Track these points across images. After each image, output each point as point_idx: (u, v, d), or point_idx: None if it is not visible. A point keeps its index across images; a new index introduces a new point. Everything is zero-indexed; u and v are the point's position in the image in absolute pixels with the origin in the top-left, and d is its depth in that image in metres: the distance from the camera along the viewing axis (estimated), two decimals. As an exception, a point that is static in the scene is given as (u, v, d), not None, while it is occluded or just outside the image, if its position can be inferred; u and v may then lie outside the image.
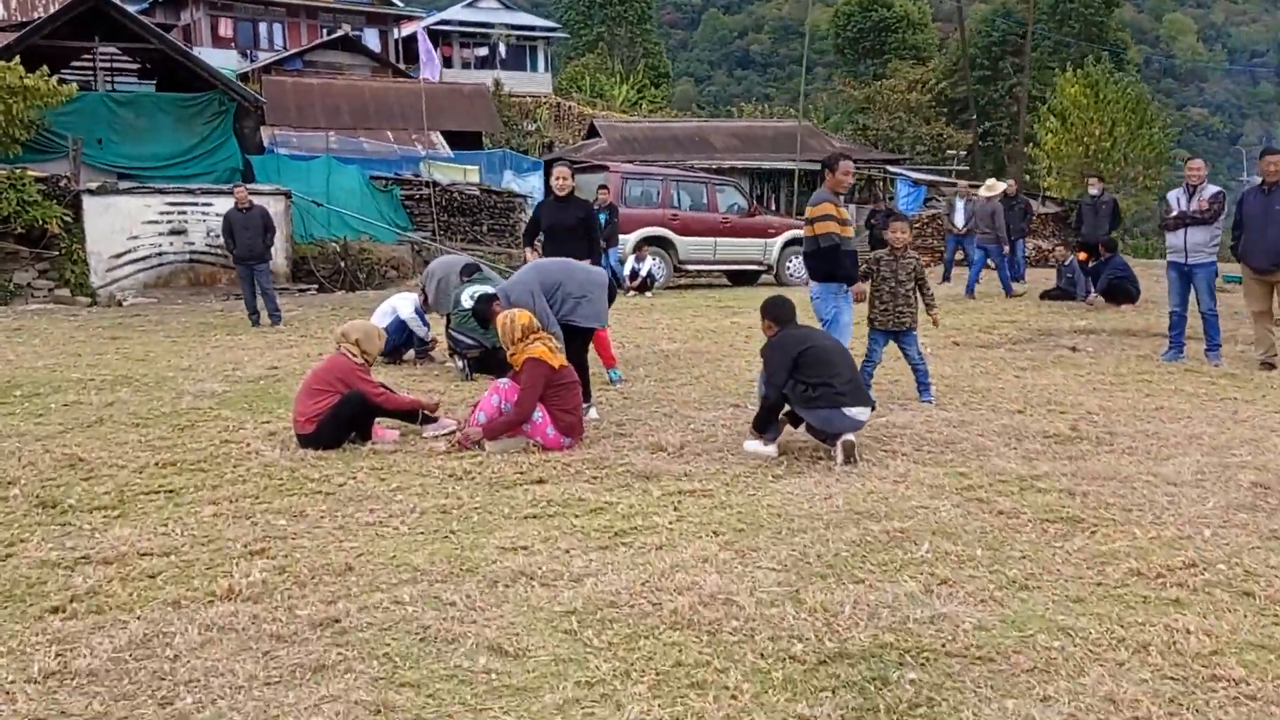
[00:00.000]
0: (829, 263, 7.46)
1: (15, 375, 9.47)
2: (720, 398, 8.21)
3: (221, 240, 14.62)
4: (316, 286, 20.07)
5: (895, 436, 6.80)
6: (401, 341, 10.21)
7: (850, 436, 6.17)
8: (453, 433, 6.64)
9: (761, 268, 20.27)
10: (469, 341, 9.08)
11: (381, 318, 10.15)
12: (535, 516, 5.16)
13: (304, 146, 25.42)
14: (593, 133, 32.14)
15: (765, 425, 6.38)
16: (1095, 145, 27.75)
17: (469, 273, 9.69)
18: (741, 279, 20.76)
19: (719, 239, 19.47)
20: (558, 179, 8.60)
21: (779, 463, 6.19)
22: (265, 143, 25.08)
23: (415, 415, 6.92)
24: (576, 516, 5.16)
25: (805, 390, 6.12)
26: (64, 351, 11.15)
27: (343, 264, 20.68)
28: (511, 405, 6.45)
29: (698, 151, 29.66)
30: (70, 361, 10.41)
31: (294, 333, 13.18)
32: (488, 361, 9.24)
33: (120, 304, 17.91)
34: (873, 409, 6.32)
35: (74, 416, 7.58)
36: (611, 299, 7.69)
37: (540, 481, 5.79)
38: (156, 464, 6.19)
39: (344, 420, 6.57)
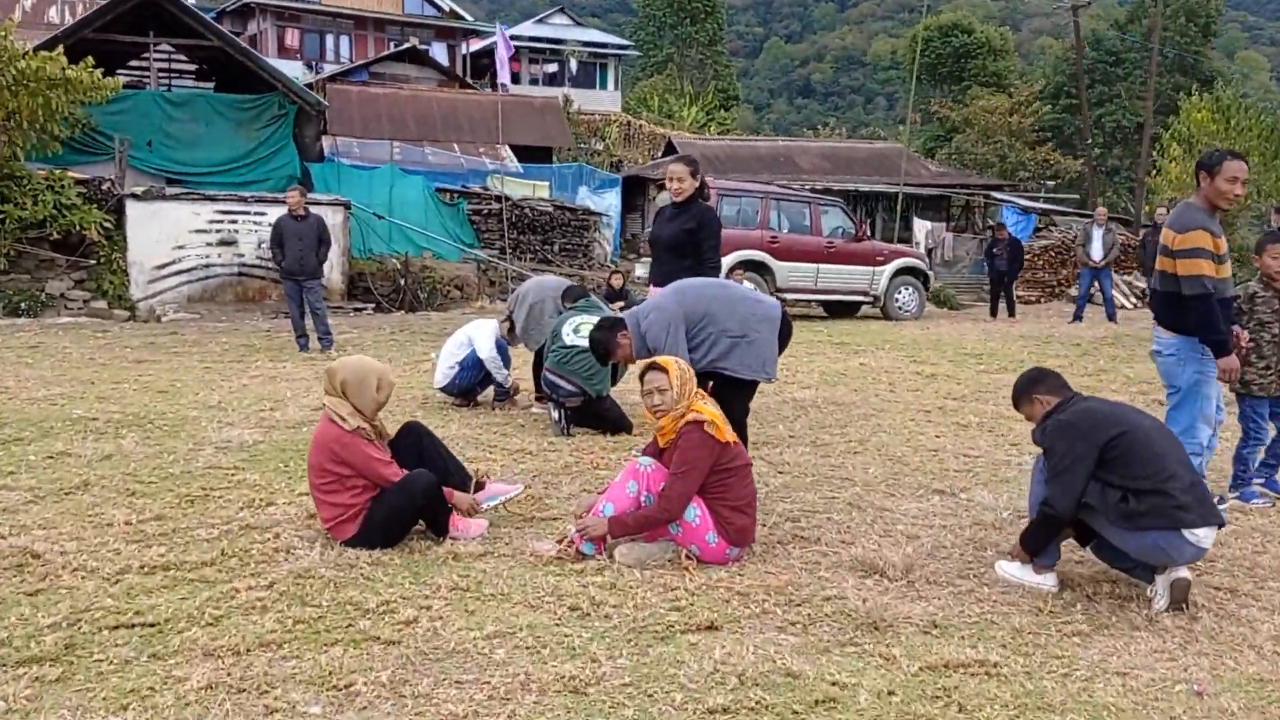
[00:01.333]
0: (1197, 314, 5.12)
1: (3, 410, 7.62)
2: (909, 477, 6.10)
3: (270, 251, 12.81)
4: (373, 306, 18.28)
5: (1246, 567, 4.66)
6: (477, 380, 8.25)
7: (1185, 573, 4.05)
8: (562, 542, 4.59)
9: (866, 299, 18.12)
10: (569, 388, 7.07)
11: (456, 349, 8.20)
12: (725, 712, 3.11)
13: (366, 156, 23.78)
14: (669, 150, 30.22)
15: (1042, 545, 4.28)
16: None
17: (572, 298, 7.68)
18: (839, 310, 18.64)
19: (821, 265, 17.37)
20: (671, 180, 6.62)
21: (1067, 604, 4.09)
22: (326, 151, 23.47)
23: (465, 486, 5.05)
24: (796, 715, 3.10)
25: (1123, 499, 4.00)
26: (75, 378, 9.33)
27: (403, 282, 18.88)
28: (656, 496, 4.42)
29: (782, 172, 27.61)
30: (79, 392, 8.57)
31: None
32: (590, 414, 7.22)
33: (159, 319, 16.22)
34: (1221, 526, 4.17)
35: (53, 477, 5.67)
36: (785, 341, 5.62)
37: (711, 628, 3.74)
38: (141, 567, 4.24)
39: (398, 517, 4.60)
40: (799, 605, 3.99)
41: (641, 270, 18.52)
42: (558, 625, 3.74)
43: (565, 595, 4.02)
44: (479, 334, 8.17)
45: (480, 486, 5.08)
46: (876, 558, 4.42)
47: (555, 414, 7.19)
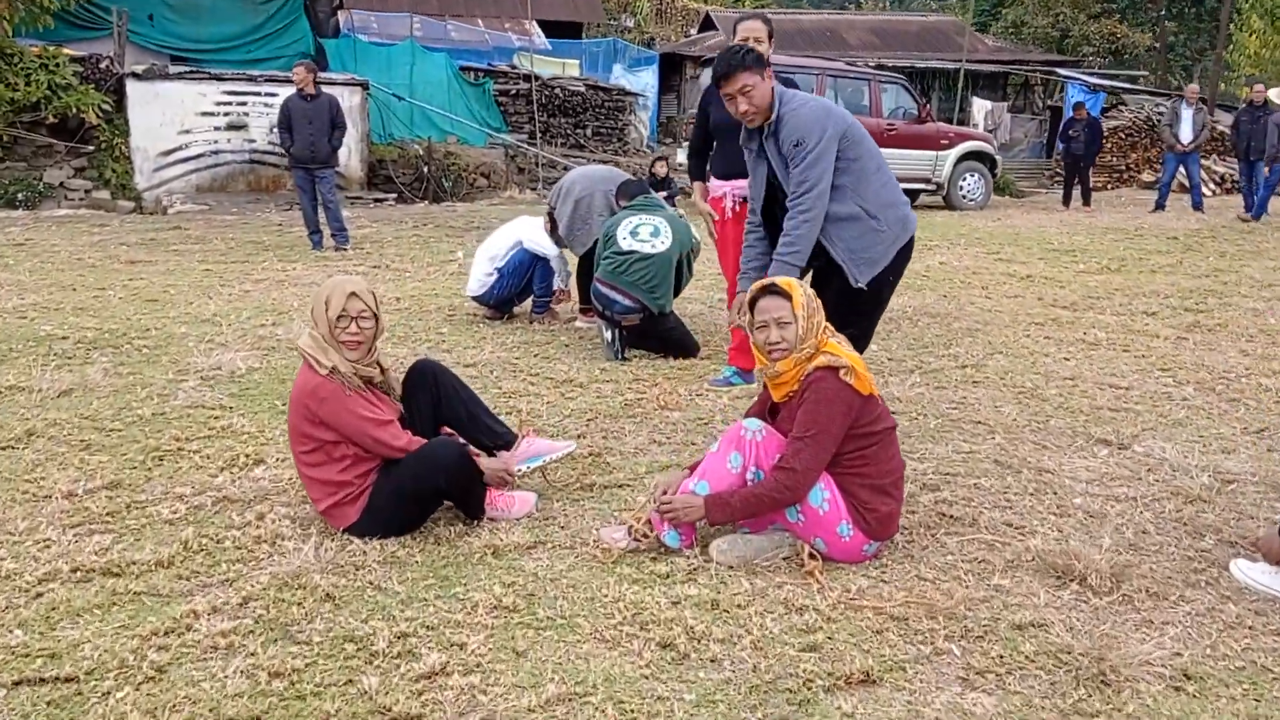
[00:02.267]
0: None
1: (-40, 325, 6.51)
2: (1055, 419, 4.88)
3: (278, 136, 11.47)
4: (395, 196, 16.98)
5: None
6: (518, 289, 7.02)
7: None
8: (636, 527, 3.40)
9: (929, 187, 16.61)
10: (626, 303, 5.84)
11: (497, 251, 6.96)
12: None
13: (384, 32, 22.13)
14: (707, 25, 28.23)
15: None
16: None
17: (628, 195, 6.36)
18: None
19: (881, 150, 15.77)
20: (746, 35, 5.04)
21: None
22: (341, 26, 21.85)
23: (503, 442, 3.84)
24: None
25: None
26: (56, 284, 8.18)
27: (426, 170, 17.54)
28: (767, 471, 3.23)
29: (829, 48, 25.67)
30: (55, 301, 7.43)
31: (365, 258, 10.10)
32: (650, 334, 6.00)
33: (165, 211, 15.02)
34: None
35: (-8, 422, 4.56)
36: None
37: (867, 680, 2.59)
38: (73, 571, 3.13)
39: (413, 498, 3.45)
40: (982, 638, 2.82)
41: (683, 156, 17.04)
42: (646, 678, 2.60)
43: (651, 621, 2.87)
44: (530, 232, 6.92)
45: (522, 436, 3.89)
46: (1067, 555, 3.23)
47: (608, 334, 5.97)
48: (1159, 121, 19.79)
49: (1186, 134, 15.55)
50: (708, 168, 5.70)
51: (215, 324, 6.75)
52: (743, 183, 4.92)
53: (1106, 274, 9.50)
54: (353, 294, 3.42)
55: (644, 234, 5.95)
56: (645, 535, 3.34)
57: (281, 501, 3.73)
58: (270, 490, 3.84)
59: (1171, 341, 6.62)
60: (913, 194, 17.00)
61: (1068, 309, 7.75)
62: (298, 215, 11.99)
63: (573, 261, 7.05)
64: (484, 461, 3.59)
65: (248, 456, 4.19)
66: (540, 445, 3.87)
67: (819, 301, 3.34)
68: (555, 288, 7.07)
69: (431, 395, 3.73)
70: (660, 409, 4.94)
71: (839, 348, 3.27)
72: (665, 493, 3.34)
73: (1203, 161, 21.07)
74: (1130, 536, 3.48)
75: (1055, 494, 3.88)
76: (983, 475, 4.08)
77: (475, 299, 7.11)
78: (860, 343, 4.00)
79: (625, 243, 5.89)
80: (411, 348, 6.20)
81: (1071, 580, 3.14)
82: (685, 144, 17.43)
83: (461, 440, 3.61)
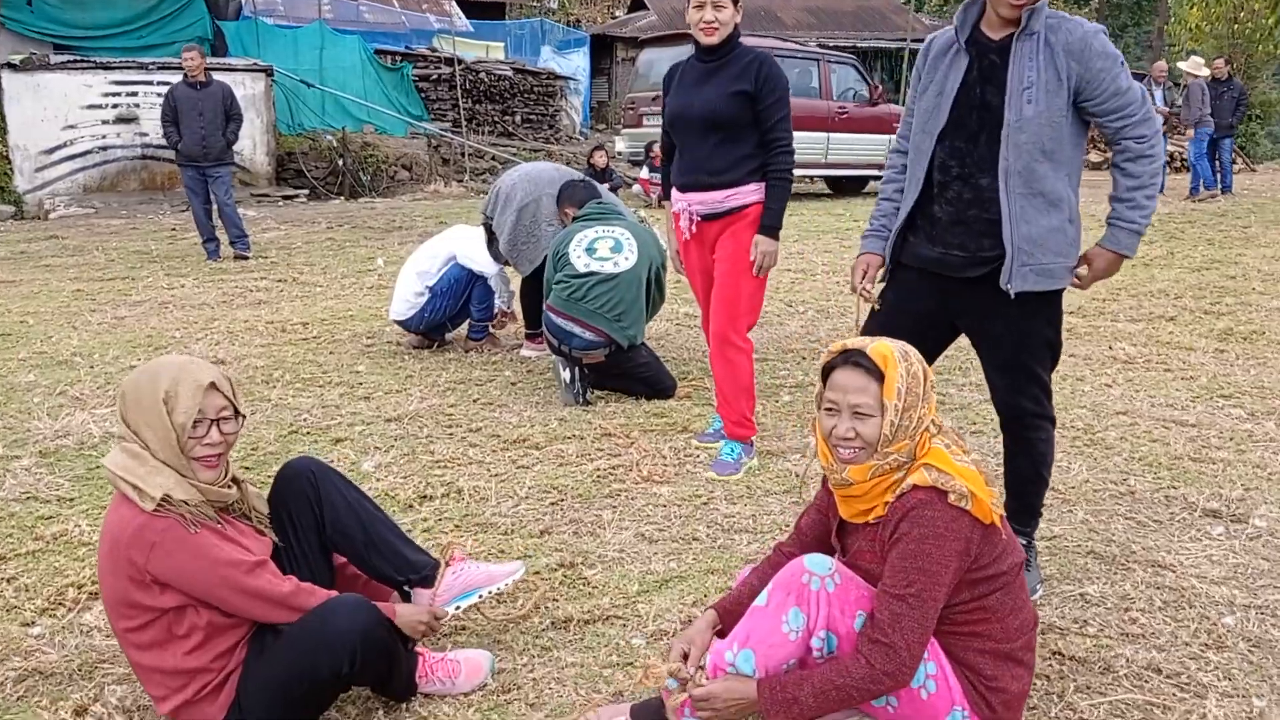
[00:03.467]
0: None
1: None
2: (1145, 477, 3.89)
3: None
4: (307, 192, 15.61)
5: None
6: (452, 313, 5.86)
7: None
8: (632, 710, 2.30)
9: (880, 173, 15.68)
10: (588, 336, 4.73)
11: (427, 267, 5.78)
12: None
13: (291, 14, 20.56)
14: (637, 5, 27.09)
15: None
16: (1253, 24, 22.84)
17: (577, 200, 5.20)
18: (844, 187, 16.28)
19: (832, 135, 14.88)
20: (704, 6, 3.82)
21: None
22: (242, 7, 20.24)
23: (419, 575, 2.65)
24: None
25: None
26: (-113, 314, 6.79)
27: (341, 162, 16.17)
28: (843, 638, 2.15)
29: (764, 28, 24.69)
30: (-121, 339, 6.08)
31: (269, 269, 8.81)
32: (616, 371, 4.89)
33: (46, 216, 13.49)
34: None
35: None
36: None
37: None
38: None
39: (304, 685, 2.27)
40: None
41: (622, 145, 15.91)
42: None
43: None
44: (466, 245, 5.74)
45: (448, 563, 2.74)
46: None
47: (565, 373, 4.84)
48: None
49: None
50: (651, 178, 4.73)
51: (73, 367, 5.48)
52: (705, 196, 3.96)
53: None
54: (211, 385, 2.27)
55: (603, 250, 4.84)
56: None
57: (116, 676, 2.57)
58: (104, 655, 2.66)
59: (1212, 356, 5.72)
60: (863, 181, 16.14)
61: (1077, 315, 6.82)
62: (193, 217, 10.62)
63: (516, 280, 5.90)
64: (399, 611, 2.46)
65: (79, 589, 3.00)
66: (473, 573, 2.72)
67: (929, 379, 2.26)
68: (496, 309, 5.93)
69: (313, 514, 2.58)
70: (643, 481, 3.85)
71: (948, 457, 2.19)
72: (688, 663, 2.26)
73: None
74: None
75: (1192, 607, 2.87)
76: (1085, 578, 3.06)
77: (400, 324, 5.93)
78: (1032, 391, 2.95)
79: (581, 262, 4.77)
80: (319, 395, 5.02)
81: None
82: (623, 131, 16.32)
83: (361, 598, 2.45)
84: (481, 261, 5.65)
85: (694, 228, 4.03)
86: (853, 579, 2.22)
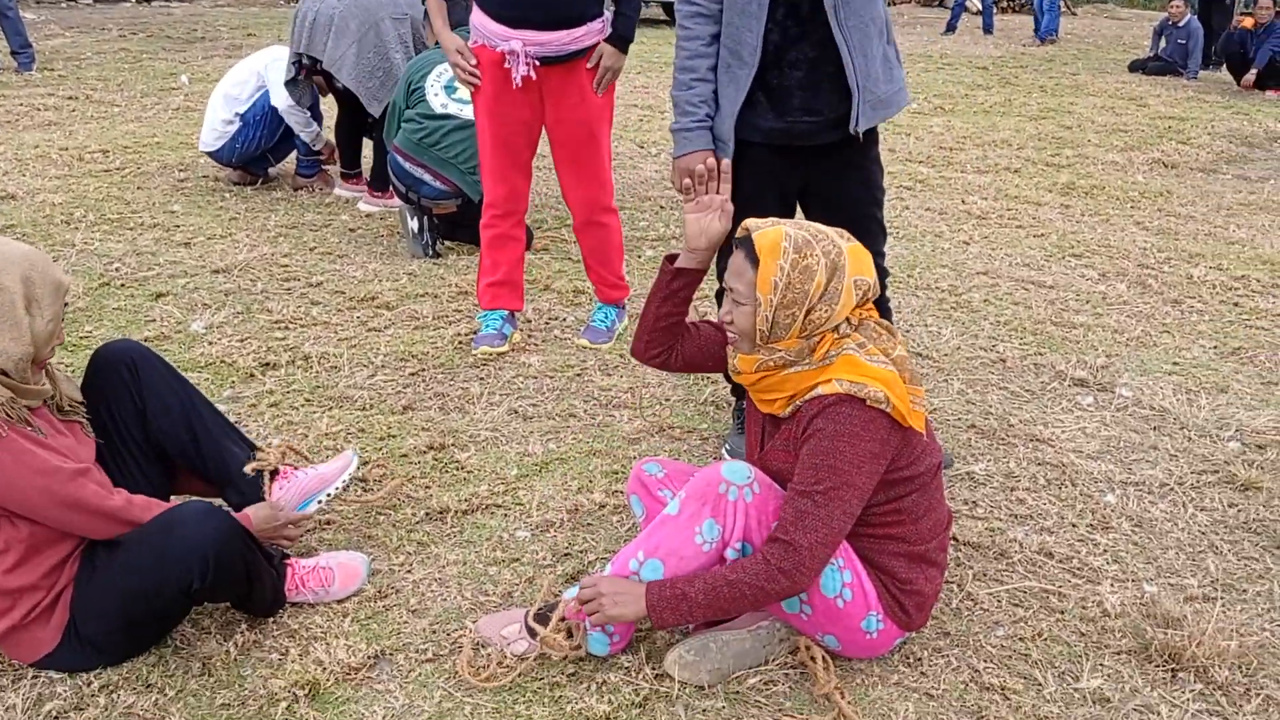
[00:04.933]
0: None
1: None
2: (1012, 343, 3.90)
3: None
4: (94, -8, 13.91)
5: None
6: (270, 143, 5.28)
7: None
8: (548, 627, 2.11)
9: None
10: (438, 185, 4.33)
11: (236, 91, 5.17)
12: None
13: None
14: None
15: None
16: None
17: (455, 20, 4.63)
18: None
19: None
20: None
21: None
22: None
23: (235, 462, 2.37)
24: None
25: None
26: None
27: (132, -41, 14.42)
28: (757, 545, 2.01)
29: None
30: None
31: (56, 86, 7.79)
32: (473, 224, 4.51)
33: None
34: None
35: None
36: None
37: None
38: None
39: (148, 602, 1.98)
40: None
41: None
42: None
43: None
44: (275, 72, 5.12)
45: (275, 474, 2.44)
46: (1160, 621, 2.24)
47: (413, 222, 4.45)
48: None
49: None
50: None
51: None
52: (548, 36, 3.17)
53: (942, 115, 8.64)
54: (68, 289, 1.93)
55: (463, 90, 4.37)
56: (564, 636, 2.08)
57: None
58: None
59: (1057, 211, 5.81)
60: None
61: (927, 164, 6.81)
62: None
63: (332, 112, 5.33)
64: (254, 517, 2.18)
65: None
66: (304, 481, 2.44)
67: (844, 277, 2.05)
68: (320, 143, 5.37)
69: (135, 405, 2.23)
70: (510, 350, 3.59)
71: (859, 361, 2.01)
72: (585, 578, 2.09)
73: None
74: (1212, 568, 2.53)
75: (1074, 485, 2.88)
76: (971, 454, 3.04)
77: (211, 155, 5.31)
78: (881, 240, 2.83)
79: (437, 101, 4.31)
80: (130, 240, 4.46)
81: (1182, 672, 2.16)
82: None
83: (214, 502, 2.14)
84: (279, 89, 5.06)
85: (530, 74, 3.20)
86: (771, 487, 2.07)
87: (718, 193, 2.24)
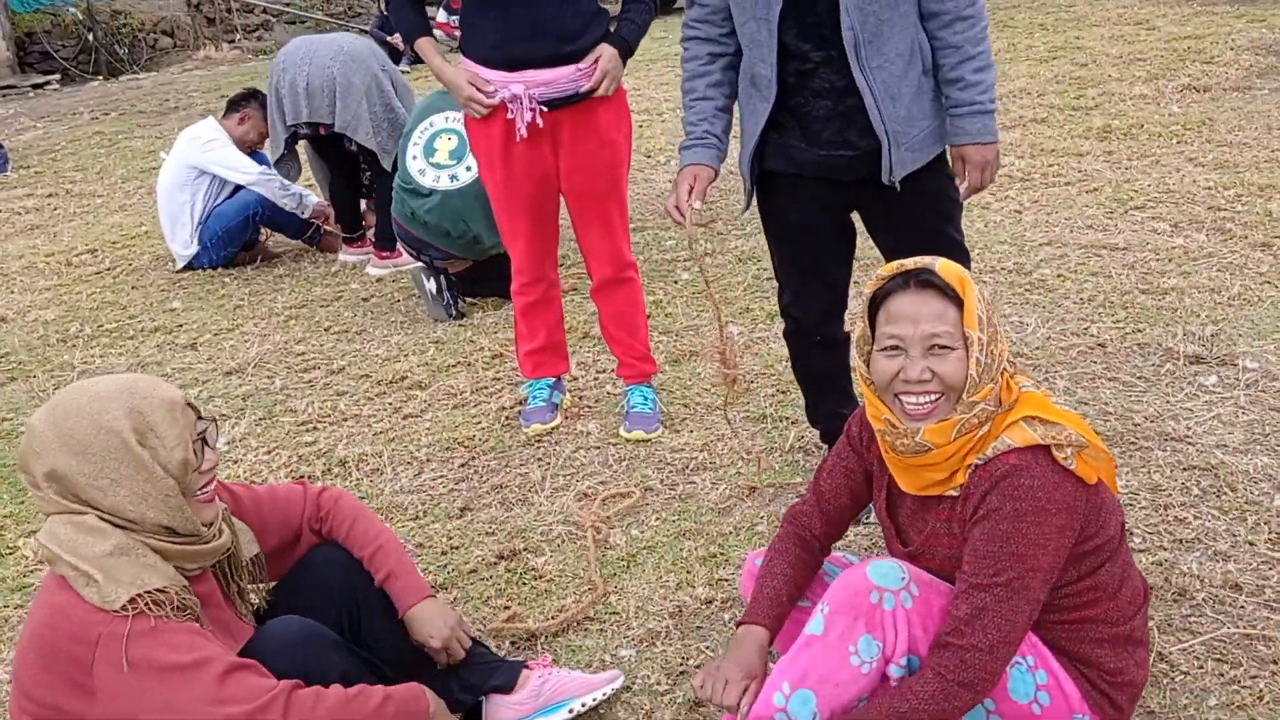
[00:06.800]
0: None
1: None
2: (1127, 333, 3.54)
3: None
4: (59, 76, 13.63)
5: None
6: (246, 233, 5.01)
7: None
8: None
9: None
10: (444, 248, 4.00)
11: (177, 194, 4.89)
12: None
13: None
14: None
15: None
16: None
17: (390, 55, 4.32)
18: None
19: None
20: None
21: None
22: None
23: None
24: None
25: None
26: None
27: (91, 36, 14.15)
28: (924, 656, 1.66)
29: None
30: None
31: (35, 183, 7.49)
32: (492, 277, 4.17)
33: None
34: None
35: None
36: None
37: None
38: None
39: None
40: None
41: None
42: None
43: None
44: (205, 154, 4.83)
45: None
46: None
47: (429, 283, 4.11)
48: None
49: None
50: (451, 21, 3.55)
51: None
52: (552, 74, 2.79)
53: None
54: (185, 404, 1.70)
55: (443, 152, 3.98)
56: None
57: None
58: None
59: (1102, 159, 5.43)
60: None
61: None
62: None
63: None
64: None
65: None
66: (565, 681, 2.04)
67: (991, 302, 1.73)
68: (308, 209, 5.05)
69: (340, 627, 1.92)
70: (563, 417, 3.24)
71: (1047, 402, 1.69)
72: (744, 701, 1.74)
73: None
74: None
75: (1234, 490, 2.52)
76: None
77: (193, 268, 5.06)
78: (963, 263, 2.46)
79: (416, 168, 3.94)
80: (132, 349, 4.14)
81: None
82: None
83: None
84: (236, 165, 4.78)
85: (536, 120, 2.81)
86: (931, 584, 1.72)
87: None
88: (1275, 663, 1.98)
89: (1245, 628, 2.08)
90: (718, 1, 2.36)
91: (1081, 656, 1.74)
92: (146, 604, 1.54)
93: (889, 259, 2.32)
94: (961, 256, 2.38)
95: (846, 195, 2.42)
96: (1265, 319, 3.39)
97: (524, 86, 2.79)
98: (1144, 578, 1.86)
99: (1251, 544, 2.32)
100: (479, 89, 2.79)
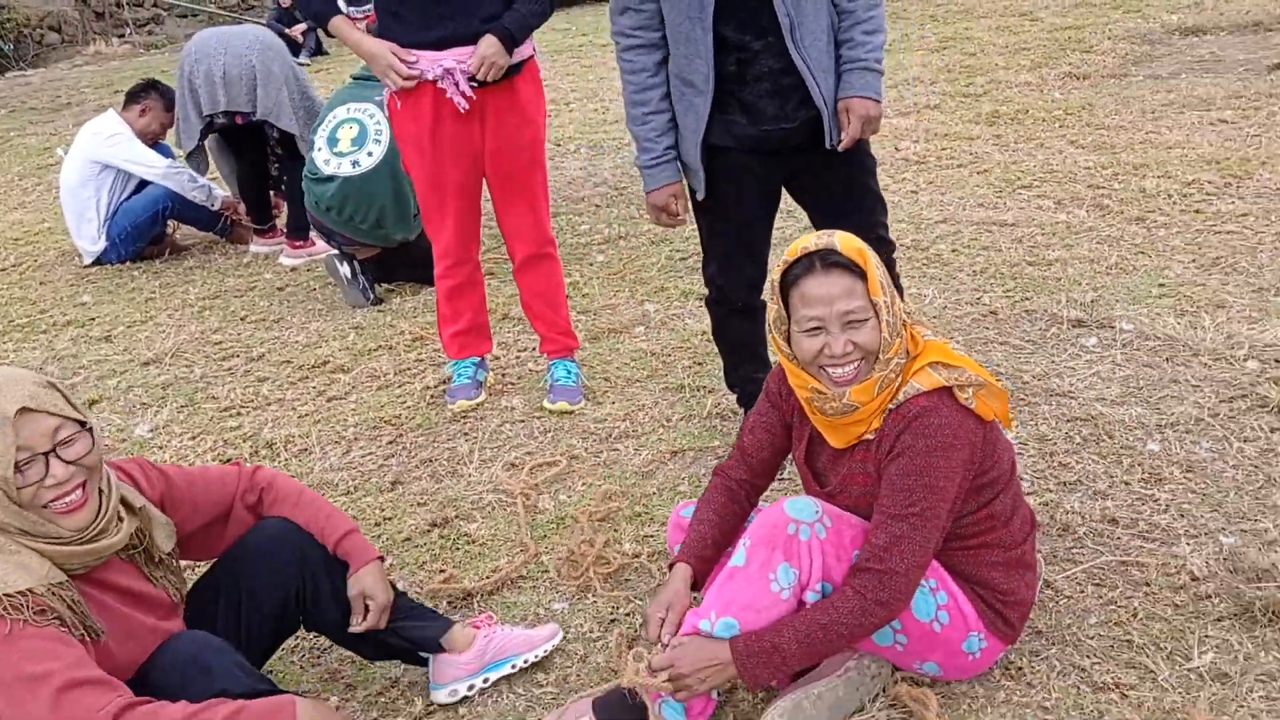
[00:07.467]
0: None
1: None
2: (1005, 281, 3.77)
3: None
4: (-61, 73, 13.13)
5: None
6: (154, 228, 4.98)
7: None
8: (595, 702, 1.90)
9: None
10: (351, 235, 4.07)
11: (81, 189, 4.85)
12: None
13: None
14: None
15: None
16: None
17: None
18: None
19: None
20: None
21: None
22: None
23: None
24: None
25: None
26: None
27: (-27, 32, 13.66)
28: (838, 582, 1.82)
29: None
30: None
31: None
32: (402, 263, 4.25)
33: None
34: None
35: None
36: None
37: None
38: None
39: None
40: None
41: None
42: None
43: None
44: (103, 147, 4.80)
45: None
46: (1250, 573, 2.12)
47: (344, 268, 4.16)
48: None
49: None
50: (349, 12, 3.45)
51: None
52: (473, 51, 2.86)
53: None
54: (21, 411, 1.59)
55: (345, 140, 4.04)
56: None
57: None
58: None
59: (991, 142, 5.72)
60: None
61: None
62: None
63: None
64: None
65: None
66: (509, 637, 2.14)
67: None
68: (217, 201, 5.04)
69: (285, 608, 2.00)
70: (488, 397, 3.34)
71: (947, 347, 1.87)
72: (664, 632, 1.88)
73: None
74: (1279, 503, 2.42)
75: (1112, 438, 2.75)
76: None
77: (102, 263, 5.01)
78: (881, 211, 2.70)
79: (321, 158, 3.99)
80: (46, 344, 4.11)
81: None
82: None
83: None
84: (143, 160, 4.77)
85: (470, 93, 2.88)
86: (842, 517, 1.89)
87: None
88: (1148, 584, 2.19)
89: (1121, 556, 2.29)
90: (652, 6, 2.48)
91: (978, 579, 1.92)
92: (5, 608, 1.54)
93: (821, 224, 2.52)
94: (881, 205, 2.65)
95: (786, 165, 2.58)
96: (1139, 286, 3.66)
97: (454, 60, 2.87)
98: (1031, 509, 2.05)
99: (1126, 483, 2.55)
100: (401, 59, 2.87)
